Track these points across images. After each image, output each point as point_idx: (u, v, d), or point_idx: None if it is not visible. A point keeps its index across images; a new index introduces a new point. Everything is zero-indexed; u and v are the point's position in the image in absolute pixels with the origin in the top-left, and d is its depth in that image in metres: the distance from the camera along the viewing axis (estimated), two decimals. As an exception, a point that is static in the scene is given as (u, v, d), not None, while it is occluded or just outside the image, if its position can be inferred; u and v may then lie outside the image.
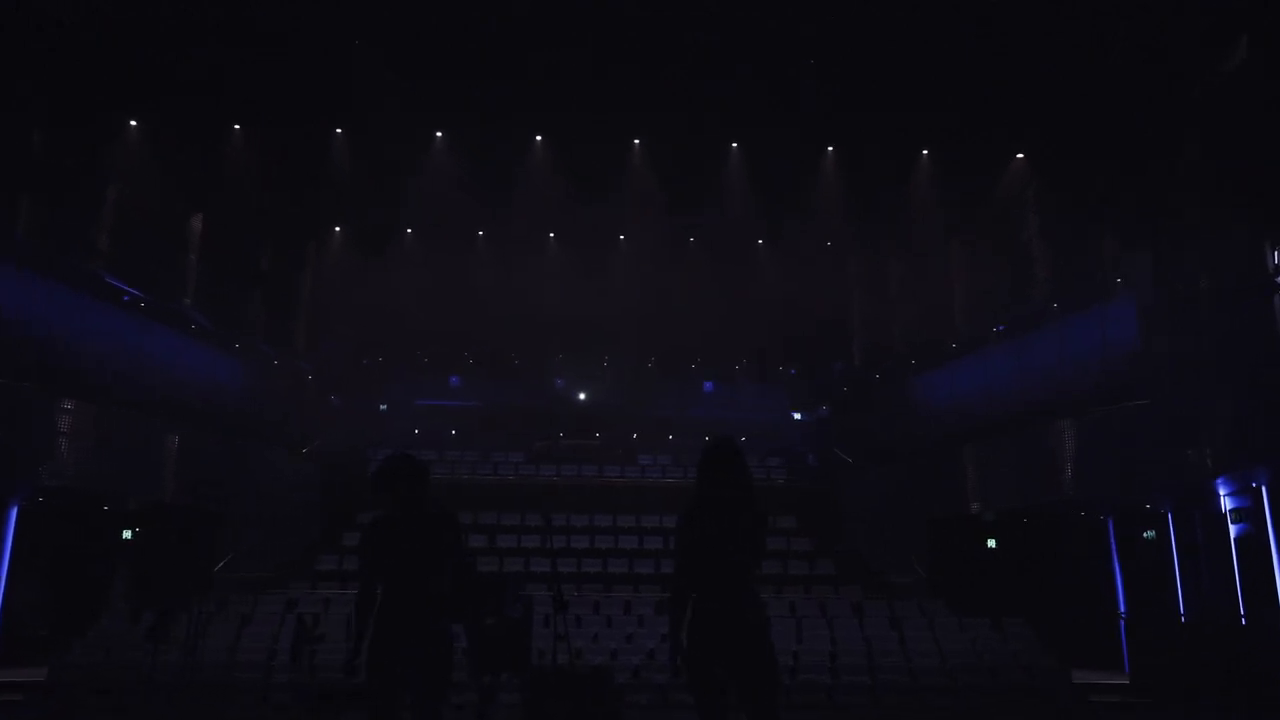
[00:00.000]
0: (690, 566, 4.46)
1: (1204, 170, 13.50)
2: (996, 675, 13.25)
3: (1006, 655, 14.08)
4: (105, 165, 16.93)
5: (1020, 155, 17.94)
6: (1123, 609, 17.20)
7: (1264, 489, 13.22)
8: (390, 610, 4.53)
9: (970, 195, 18.80)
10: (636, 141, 20.29)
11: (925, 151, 19.22)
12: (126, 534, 18.31)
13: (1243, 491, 13.82)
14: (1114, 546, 17.72)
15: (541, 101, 17.77)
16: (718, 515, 4.43)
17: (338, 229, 24.05)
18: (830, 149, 20.20)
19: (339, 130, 19.31)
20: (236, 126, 18.49)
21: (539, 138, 20.26)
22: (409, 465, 4.83)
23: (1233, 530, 14.13)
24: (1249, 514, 13.68)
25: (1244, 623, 13.60)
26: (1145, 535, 17.10)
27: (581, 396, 29.49)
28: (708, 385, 30.10)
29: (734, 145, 20.42)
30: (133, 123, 16.89)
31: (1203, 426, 13.67)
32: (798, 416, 29.20)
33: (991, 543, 19.04)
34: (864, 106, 17.14)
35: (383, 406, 27.59)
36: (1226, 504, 14.27)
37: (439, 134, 20.05)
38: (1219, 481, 13.72)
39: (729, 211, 21.53)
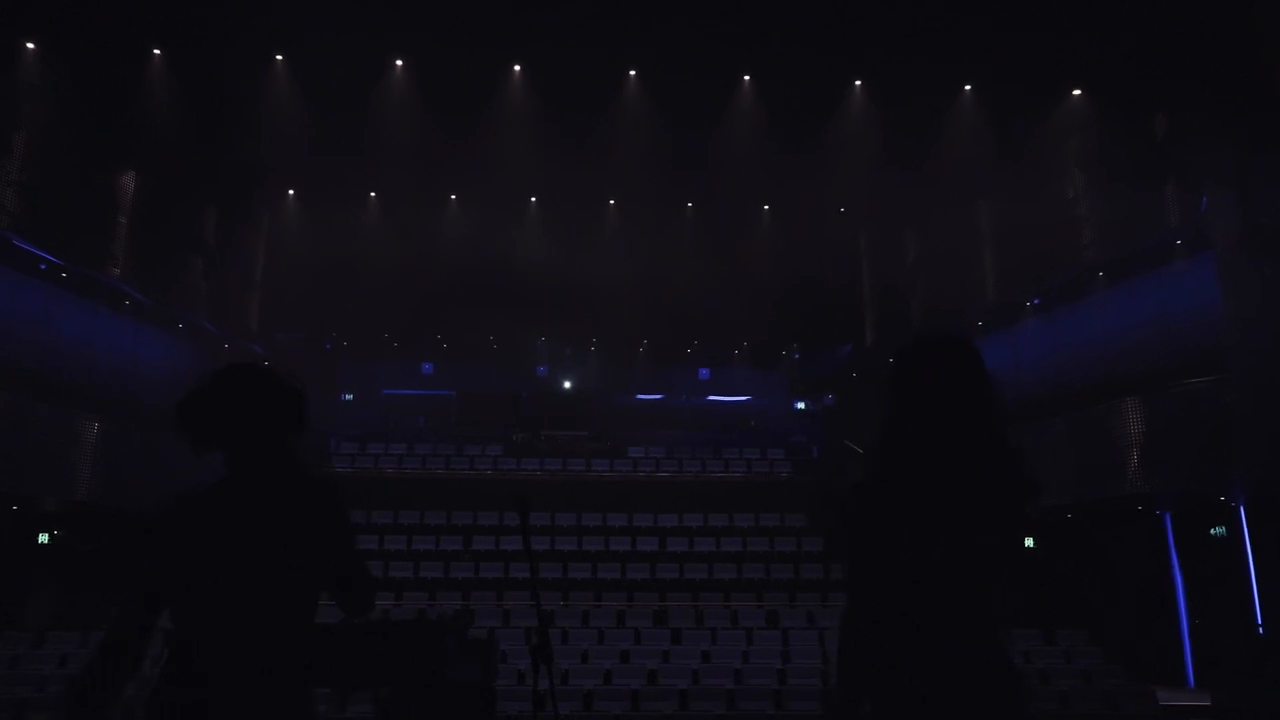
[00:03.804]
0: (875, 604, 2.27)
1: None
2: (1069, 701, 11.11)
3: (1073, 674, 12.04)
4: (5, 101, 14.42)
5: (1077, 91, 15.75)
6: (1184, 617, 15.24)
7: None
8: (193, 678, 2.18)
9: (1016, 139, 16.60)
10: (632, 73, 17.88)
11: (968, 87, 16.94)
12: (43, 538, 16.21)
13: (1350, 480, 11.78)
14: (1173, 545, 15.72)
15: (520, 22, 15.28)
16: (936, 502, 2.22)
17: (291, 192, 21.66)
18: (858, 83, 17.87)
19: (279, 57, 16.79)
20: (156, 51, 15.94)
21: (517, 67, 17.80)
22: (257, 384, 2.41)
23: (1336, 526, 12.09)
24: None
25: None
26: (1213, 532, 15.07)
27: (566, 385, 27.58)
28: (704, 372, 28.50)
29: (745, 78, 18.06)
30: (30, 45, 14.35)
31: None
32: (801, 406, 27.27)
33: (1029, 542, 17.02)
34: (900, 29, 14.79)
35: (347, 396, 25.38)
36: (1327, 495, 12.23)
37: (399, 62, 17.52)
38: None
39: (735, 163, 19.19)
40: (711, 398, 28.04)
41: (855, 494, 2.34)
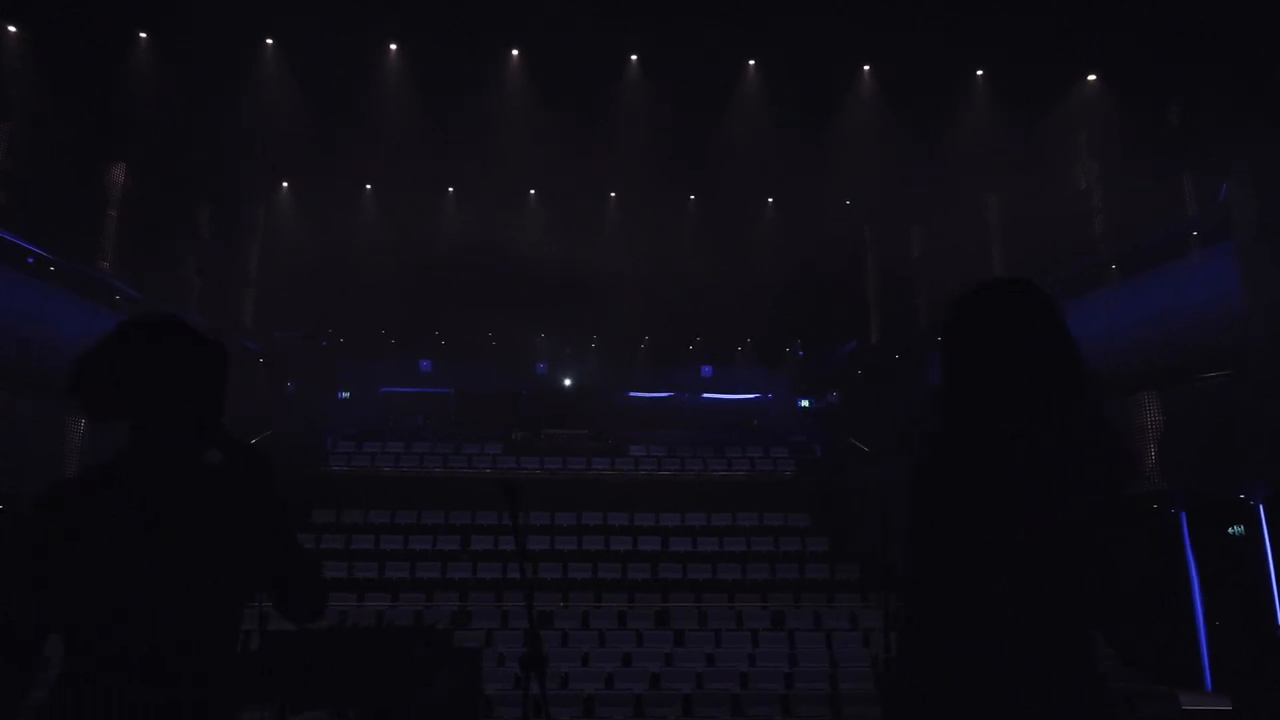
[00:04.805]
0: (934, 588, 2.15)
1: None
2: (1087, 705, 10.70)
3: (1090, 678, 11.57)
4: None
5: (1092, 77, 15.34)
6: (1200, 617, 14.88)
7: None
8: (98, 682, 1.80)
9: (1027, 126, 16.20)
10: (634, 58, 17.43)
11: (980, 72, 16.51)
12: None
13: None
14: (1188, 544, 15.35)
15: (519, 8, 14.84)
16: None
17: (285, 184, 21.30)
18: (866, 68, 17.45)
19: (269, 41, 16.39)
20: (143, 35, 15.53)
21: (515, 52, 17.38)
22: (171, 340, 1.97)
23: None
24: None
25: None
26: (1231, 531, 14.71)
27: (567, 382, 27.26)
28: (706, 370, 28.21)
29: (750, 65, 17.65)
30: (11, 28, 13.95)
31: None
32: (804, 404, 26.93)
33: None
34: (909, 12, 14.34)
35: (344, 394, 25.03)
36: (1353, 492, 11.86)
37: (394, 46, 17.12)
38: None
39: (738, 155, 18.80)
40: (714, 395, 27.74)
41: (918, 476, 2.19)
